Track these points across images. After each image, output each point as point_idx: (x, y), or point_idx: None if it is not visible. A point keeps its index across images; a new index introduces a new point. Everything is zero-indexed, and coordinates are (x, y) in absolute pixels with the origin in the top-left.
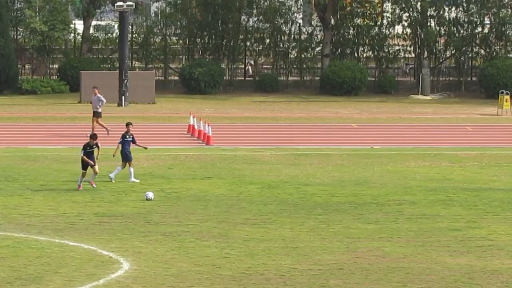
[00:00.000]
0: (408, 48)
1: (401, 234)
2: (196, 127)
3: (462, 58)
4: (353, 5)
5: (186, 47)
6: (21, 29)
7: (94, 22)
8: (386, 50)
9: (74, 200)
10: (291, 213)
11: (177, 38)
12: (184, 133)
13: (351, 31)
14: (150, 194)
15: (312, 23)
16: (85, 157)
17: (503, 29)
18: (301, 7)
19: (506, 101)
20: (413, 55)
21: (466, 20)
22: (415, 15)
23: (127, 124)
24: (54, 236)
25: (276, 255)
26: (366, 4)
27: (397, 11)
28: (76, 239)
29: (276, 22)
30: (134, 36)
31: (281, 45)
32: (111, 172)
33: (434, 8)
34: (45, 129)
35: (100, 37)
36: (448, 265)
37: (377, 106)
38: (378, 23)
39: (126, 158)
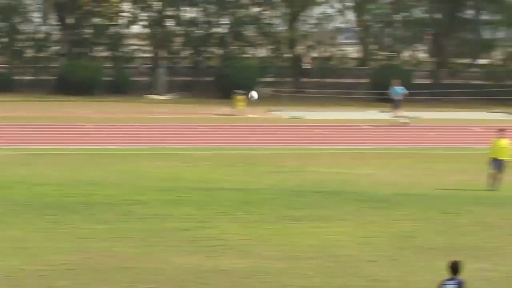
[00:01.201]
0: (146, 48)
1: (131, 234)
2: None
3: (199, 58)
4: (91, 4)
5: None
6: None
7: None
8: (123, 50)
9: None
10: (21, 214)
11: None
12: None
13: (88, 31)
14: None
15: (50, 22)
16: None
17: (240, 29)
18: (40, 6)
19: (240, 101)
20: (150, 54)
21: (204, 20)
22: (153, 14)
23: None
24: None
25: (5, 255)
26: (105, 4)
27: (137, 10)
28: None
29: (13, 21)
30: None
31: (18, 44)
32: None
33: (172, 8)
34: None
35: None
36: (177, 265)
37: (113, 106)
38: (117, 22)
39: None
